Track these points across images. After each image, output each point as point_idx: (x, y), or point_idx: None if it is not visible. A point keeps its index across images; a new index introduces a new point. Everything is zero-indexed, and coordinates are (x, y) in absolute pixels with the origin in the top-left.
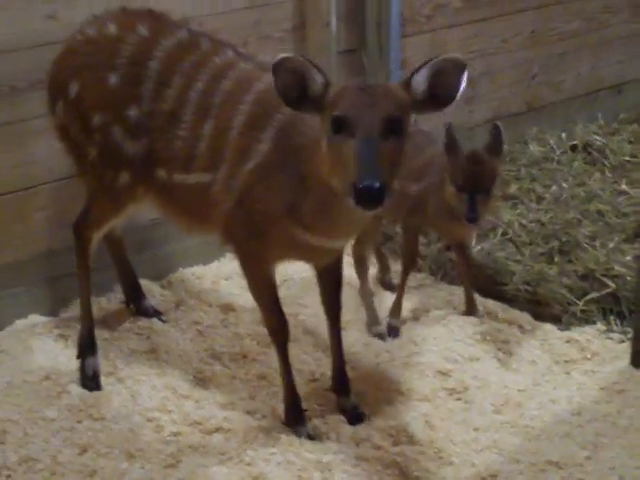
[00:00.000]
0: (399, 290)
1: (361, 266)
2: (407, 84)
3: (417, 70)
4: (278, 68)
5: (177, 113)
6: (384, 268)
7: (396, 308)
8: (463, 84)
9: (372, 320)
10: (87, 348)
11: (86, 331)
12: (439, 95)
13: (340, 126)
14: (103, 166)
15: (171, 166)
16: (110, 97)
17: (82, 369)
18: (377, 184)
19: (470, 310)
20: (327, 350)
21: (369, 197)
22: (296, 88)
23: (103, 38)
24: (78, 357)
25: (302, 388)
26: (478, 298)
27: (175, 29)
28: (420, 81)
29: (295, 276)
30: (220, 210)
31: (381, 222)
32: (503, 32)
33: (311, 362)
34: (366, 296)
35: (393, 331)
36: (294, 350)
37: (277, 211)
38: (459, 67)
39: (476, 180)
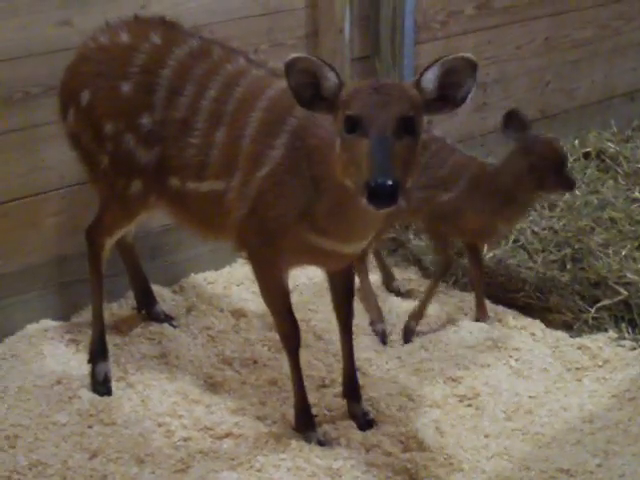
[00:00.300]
0: (426, 296)
1: (361, 265)
2: (418, 83)
3: (427, 68)
4: (291, 68)
5: (189, 121)
6: (388, 275)
7: (418, 313)
8: (474, 83)
9: (376, 317)
10: (98, 353)
11: (97, 336)
12: (450, 95)
13: (354, 125)
14: (115, 174)
15: (184, 174)
16: (122, 105)
17: (93, 374)
18: (390, 182)
19: (481, 316)
20: (338, 356)
21: (382, 195)
22: (309, 88)
23: (116, 46)
24: (89, 362)
25: (313, 394)
26: (489, 305)
27: (187, 37)
28: (430, 79)
29: (307, 282)
30: (234, 217)
31: (388, 228)
32: (517, 39)
33: (322, 368)
34: (368, 295)
35: (408, 334)
36: (305, 356)
37: (291, 217)
38: (470, 66)
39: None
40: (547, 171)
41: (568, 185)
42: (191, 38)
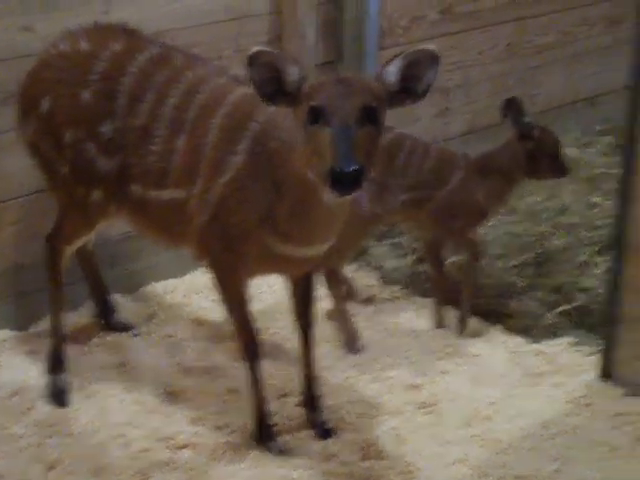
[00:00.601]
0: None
1: (333, 281)
2: (380, 76)
3: (390, 61)
4: (253, 61)
5: (150, 128)
6: (350, 288)
7: (462, 321)
8: (435, 75)
9: (351, 337)
10: (56, 364)
11: (56, 347)
12: (412, 87)
13: (317, 116)
14: (75, 183)
15: (145, 182)
16: (83, 113)
17: (51, 385)
18: (353, 167)
19: (441, 324)
20: (298, 364)
21: (345, 181)
22: (272, 82)
23: (76, 54)
24: (47, 373)
25: (272, 403)
26: (449, 311)
27: (148, 44)
28: (392, 72)
29: (267, 289)
30: (195, 224)
31: (363, 237)
32: (479, 45)
33: (281, 377)
34: (342, 313)
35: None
36: (265, 365)
37: (253, 222)
38: (432, 58)
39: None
40: (544, 157)
41: (563, 171)
42: (152, 45)
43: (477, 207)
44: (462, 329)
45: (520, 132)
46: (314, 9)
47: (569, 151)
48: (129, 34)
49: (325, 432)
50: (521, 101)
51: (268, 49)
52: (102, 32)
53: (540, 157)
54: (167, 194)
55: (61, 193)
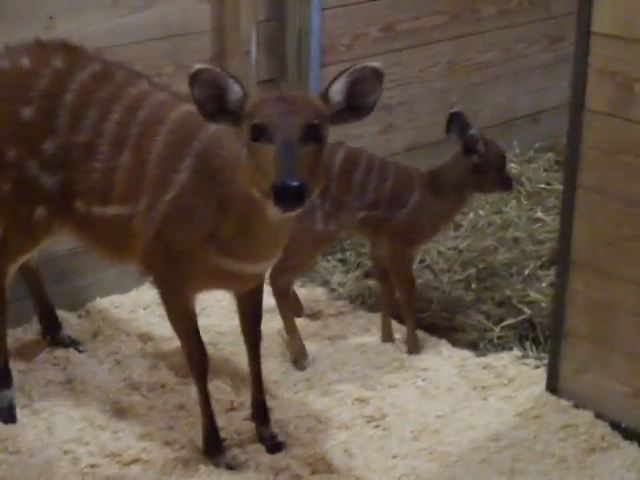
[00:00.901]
0: (409, 328)
1: (283, 298)
2: (325, 94)
3: (335, 79)
4: (195, 79)
5: (93, 145)
6: (297, 304)
7: (413, 342)
8: (381, 92)
9: (299, 354)
10: (2, 380)
11: (1, 363)
12: (357, 104)
13: (260, 133)
14: (17, 201)
15: (89, 198)
16: (24, 131)
17: None
18: (295, 182)
19: (389, 338)
20: (246, 379)
21: (288, 196)
22: (213, 100)
23: (16, 71)
24: None
25: (221, 417)
26: (395, 325)
27: (90, 61)
28: (338, 90)
29: (214, 304)
30: (140, 242)
31: (316, 254)
32: (421, 62)
33: (230, 391)
34: (291, 329)
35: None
36: (213, 379)
37: (198, 240)
38: (376, 75)
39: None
40: (490, 170)
41: (508, 185)
42: (93, 61)
43: (432, 225)
44: (411, 348)
45: (465, 146)
46: (256, 26)
47: (511, 167)
48: (71, 50)
49: (274, 446)
50: (465, 115)
51: (210, 67)
52: (43, 48)
53: (486, 171)
54: (111, 210)
55: (2, 211)
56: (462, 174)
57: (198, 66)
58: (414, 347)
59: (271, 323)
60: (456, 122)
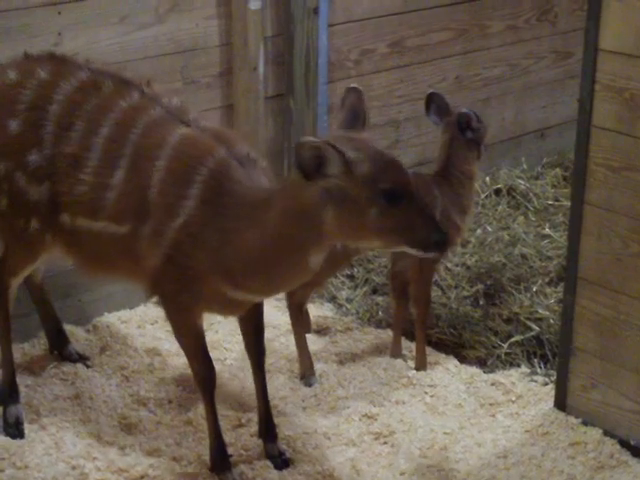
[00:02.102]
0: (419, 345)
1: (297, 314)
2: None
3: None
4: (300, 149)
5: (81, 157)
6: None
7: (422, 359)
8: None
9: (307, 371)
10: (9, 396)
11: (7, 378)
12: None
13: (396, 197)
14: (13, 214)
15: (75, 210)
16: (11, 144)
17: (4, 417)
18: (444, 229)
19: (397, 354)
20: (253, 395)
21: (445, 243)
22: (316, 166)
23: (3, 85)
24: (1, 404)
25: (229, 433)
26: (404, 341)
27: (75, 70)
28: None
29: (222, 320)
30: (148, 265)
31: (335, 272)
32: (428, 78)
33: (238, 407)
34: (302, 347)
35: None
36: (221, 395)
37: (207, 267)
38: None
39: None
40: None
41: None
42: (79, 71)
43: (462, 215)
44: (420, 365)
45: (459, 124)
46: (264, 42)
47: (519, 183)
48: (57, 61)
49: (282, 463)
50: (443, 95)
51: (314, 140)
52: (30, 61)
53: (480, 141)
54: (99, 226)
55: (2, 225)
56: (464, 154)
57: (304, 139)
58: (422, 364)
59: (280, 339)
60: (435, 103)
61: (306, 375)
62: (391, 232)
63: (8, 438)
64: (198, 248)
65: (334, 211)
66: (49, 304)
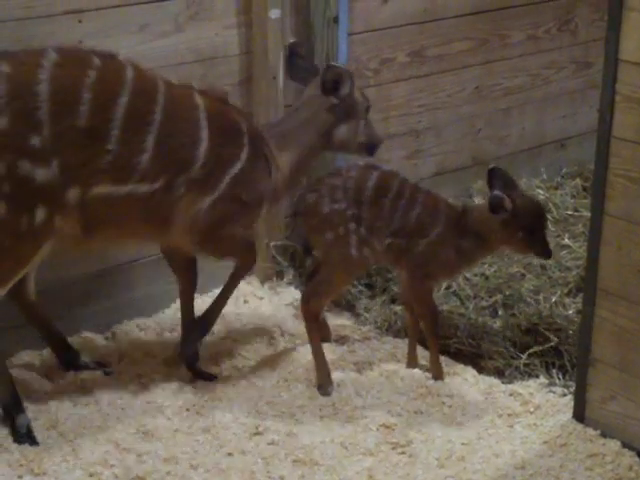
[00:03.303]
0: (432, 356)
1: (313, 322)
2: None
3: None
4: (492, 176)
5: (100, 128)
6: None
7: (438, 369)
8: None
9: (325, 380)
10: (14, 406)
11: (7, 391)
12: None
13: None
14: (16, 213)
15: (93, 181)
16: (6, 140)
17: (15, 429)
18: None
19: (414, 364)
20: (271, 402)
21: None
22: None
23: None
24: (10, 415)
25: (246, 442)
26: (421, 351)
27: (36, 53)
28: None
29: (239, 327)
30: (184, 213)
31: (349, 280)
32: (448, 87)
33: (255, 415)
34: (318, 355)
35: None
36: (237, 402)
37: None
38: None
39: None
40: (521, 232)
41: (543, 252)
42: (50, 52)
43: (450, 264)
44: (436, 374)
45: (491, 205)
46: (284, 51)
47: (538, 193)
48: (28, 51)
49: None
50: (503, 171)
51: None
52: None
53: (516, 230)
54: (126, 189)
55: None
56: (490, 225)
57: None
58: (439, 374)
59: (297, 349)
60: (496, 178)
61: (323, 384)
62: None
63: (27, 445)
64: (248, 188)
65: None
66: (48, 321)
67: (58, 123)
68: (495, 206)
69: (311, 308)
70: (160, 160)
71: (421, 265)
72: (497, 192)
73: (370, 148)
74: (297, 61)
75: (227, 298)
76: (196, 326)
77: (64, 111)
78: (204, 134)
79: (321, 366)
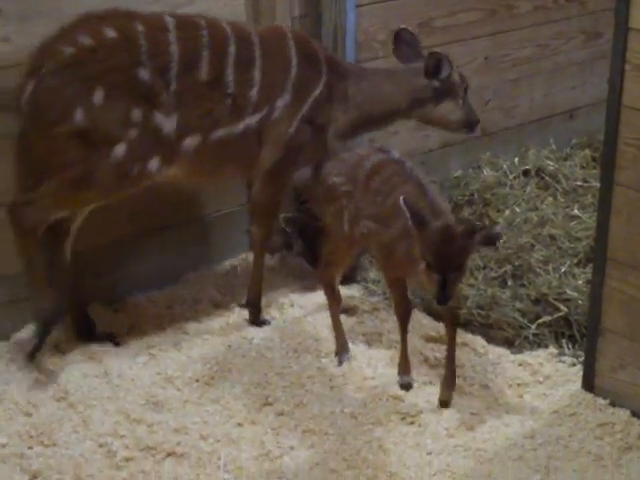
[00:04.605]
0: (402, 346)
1: (329, 290)
2: None
3: None
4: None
5: (219, 78)
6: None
7: (404, 364)
8: None
9: (341, 347)
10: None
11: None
12: None
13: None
14: (133, 158)
15: (212, 126)
16: (146, 91)
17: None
18: None
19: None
20: (281, 373)
21: None
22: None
23: (112, 41)
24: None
25: (256, 413)
26: (431, 322)
27: (158, 17)
28: None
29: None
30: (277, 135)
31: (348, 254)
32: (457, 58)
33: (265, 385)
34: (336, 323)
35: (406, 387)
36: (247, 373)
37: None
38: None
39: (449, 260)
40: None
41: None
42: (162, 16)
43: (401, 263)
44: (401, 370)
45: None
46: (292, 22)
47: (547, 164)
48: (134, 15)
49: None
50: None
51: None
52: (115, 18)
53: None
54: (240, 127)
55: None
56: None
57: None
58: (404, 369)
59: (307, 319)
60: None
61: (339, 352)
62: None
63: (37, 417)
64: (331, 108)
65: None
66: (74, 287)
67: (183, 81)
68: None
69: (325, 276)
70: (264, 90)
71: (383, 256)
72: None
73: (469, 125)
74: (403, 47)
75: None
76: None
77: (188, 70)
78: (294, 61)
79: (338, 333)
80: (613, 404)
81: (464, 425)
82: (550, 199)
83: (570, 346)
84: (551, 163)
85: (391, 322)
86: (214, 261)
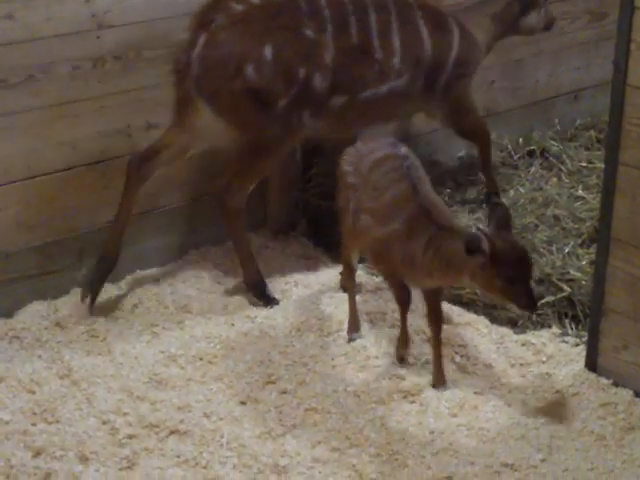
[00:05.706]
0: (402, 329)
1: (348, 273)
2: None
3: None
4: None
5: (367, 44)
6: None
7: (403, 341)
8: None
9: (353, 326)
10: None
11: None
12: None
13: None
14: (291, 111)
15: (359, 88)
16: (310, 50)
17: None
18: None
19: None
20: (283, 352)
21: None
22: None
23: (278, 1)
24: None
25: (259, 391)
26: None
27: None
28: None
29: None
30: (412, 92)
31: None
32: None
33: (268, 364)
34: (351, 301)
35: (401, 360)
36: (250, 352)
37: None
38: None
39: (529, 270)
40: (501, 277)
41: (525, 303)
42: None
43: (406, 264)
44: (399, 355)
45: (466, 244)
46: None
47: (552, 145)
48: None
49: None
50: (506, 208)
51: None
52: None
53: (495, 276)
54: (384, 89)
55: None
56: (461, 261)
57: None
58: (401, 356)
59: (310, 298)
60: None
61: (350, 329)
62: None
63: (40, 394)
64: (467, 63)
65: None
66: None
67: (339, 44)
68: (470, 245)
69: (343, 256)
70: (404, 59)
71: (375, 253)
72: (474, 231)
73: (548, 27)
74: None
75: None
76: None
77: (342, 33)
78: (424, 32)
79: (351, 311)
80: (616, 384)
81: (467, 404)
82: (554, 180)
83: (573, 326)
84: (555, 144)
85: (393, 302)
86: (217, 240)
